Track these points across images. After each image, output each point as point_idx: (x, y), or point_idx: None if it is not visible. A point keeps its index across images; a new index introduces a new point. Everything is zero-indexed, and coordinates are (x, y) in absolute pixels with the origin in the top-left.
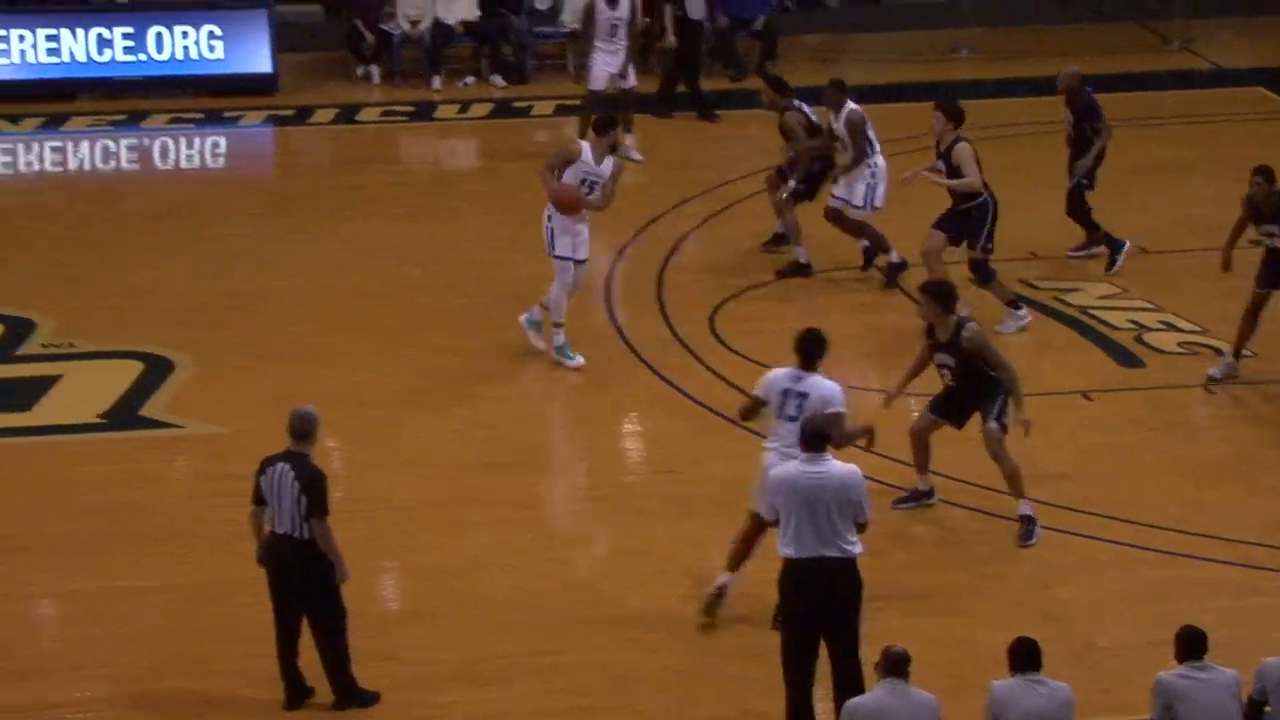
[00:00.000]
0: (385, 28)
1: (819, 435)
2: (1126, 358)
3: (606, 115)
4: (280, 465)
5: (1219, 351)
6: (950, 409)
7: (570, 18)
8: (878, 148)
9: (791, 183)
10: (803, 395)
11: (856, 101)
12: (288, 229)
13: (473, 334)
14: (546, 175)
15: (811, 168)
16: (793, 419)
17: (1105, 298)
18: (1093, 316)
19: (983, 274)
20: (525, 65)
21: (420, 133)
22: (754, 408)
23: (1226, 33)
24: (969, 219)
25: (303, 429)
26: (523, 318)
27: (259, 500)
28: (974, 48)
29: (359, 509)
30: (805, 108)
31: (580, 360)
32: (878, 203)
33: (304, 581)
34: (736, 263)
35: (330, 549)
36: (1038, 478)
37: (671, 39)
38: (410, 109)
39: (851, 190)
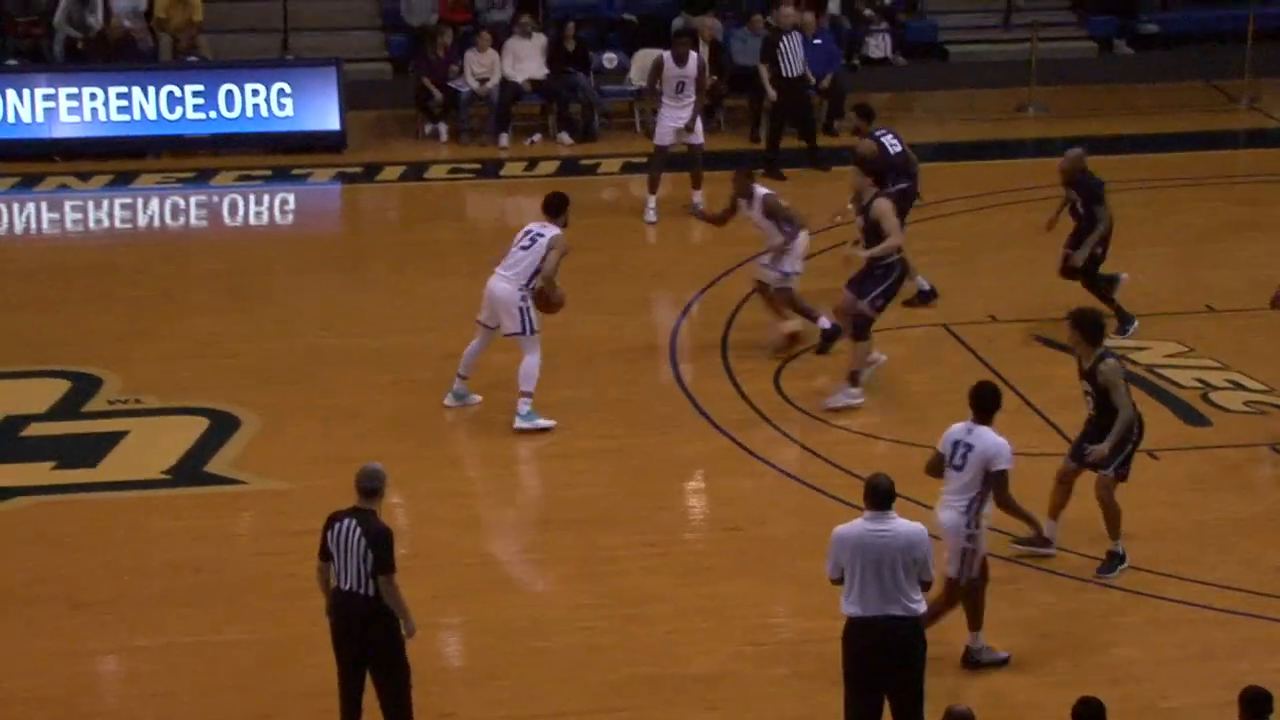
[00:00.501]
0: (453, 85)
1: (884, 492)
2: (1193, 416)
3: (557, 194)
4: (347, 521)
5: None
6: (1082, 450)
7: (638, 76)
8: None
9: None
10: (969, 446)
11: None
12: (354, 286)
13: (537, 391)
14: (555, 276)
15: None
16: (958, 469)
17: (1172, 356)
18: (1159, 375)
19: (859, 329)
20: (593, 123)
21: (487, 190)
22: (937, 462)
23: None
24: (872, 274)
25: (370, 486)
26: (447, 399)
27: (325, 556)
28: (1040, 105)
29: (423, 565)
30: (886, 138)
31: (553, 422)
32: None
33: (369, 638)
34: (803, 320)
35: (397, 605)
36: (1101, 536)
37: (772, 93)
38: (477, 166)
39: (780, 264)
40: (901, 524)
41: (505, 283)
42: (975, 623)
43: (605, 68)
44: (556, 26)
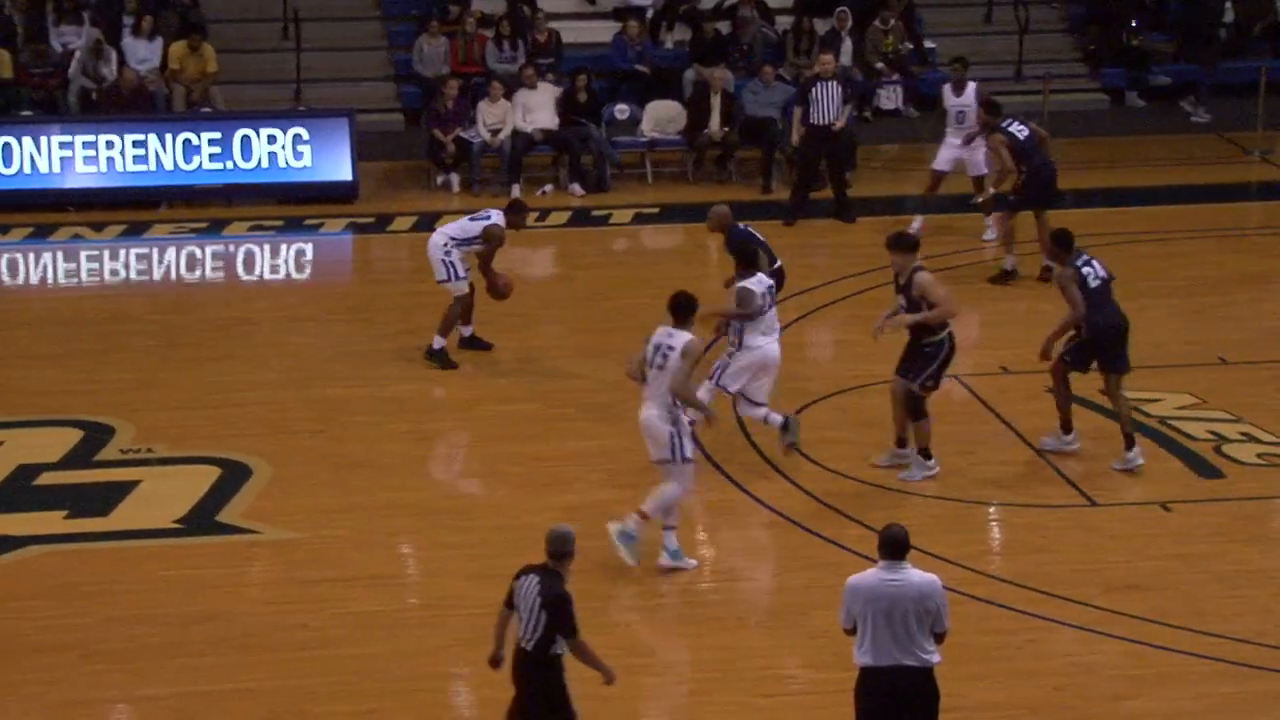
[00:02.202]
0: (465, 136)
1: (899, 542)
2: (1206, 469)
3: (683, 295)
4: (531, 577)
5: None
6: None
7: (649, 127)
8: None
9: (991, 191)
10: None
11: None
12: (365, 337)
13: (548, 441)
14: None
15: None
16: None
17: (1184, 408)
18: (1172, 427)
19: (914, 409)
20: (605, 174)
21: None
22: None
23: None
24: (921, 354)
25: (555, 549)
26: (613, 530)
27: (509, 604)
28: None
29: (436, 615)
30: (1013, 126)
31: (694, 563)
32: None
33: (528, 691)
34: (813, 369)
35: (590, 662)
36: (1114, 588)
37: (795, 138)
38: None
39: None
40: (915, 574)
41: (649, 409)
42: None
43: (617, 119)
44: (569, 78)
